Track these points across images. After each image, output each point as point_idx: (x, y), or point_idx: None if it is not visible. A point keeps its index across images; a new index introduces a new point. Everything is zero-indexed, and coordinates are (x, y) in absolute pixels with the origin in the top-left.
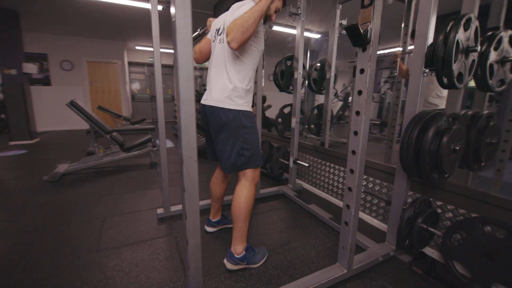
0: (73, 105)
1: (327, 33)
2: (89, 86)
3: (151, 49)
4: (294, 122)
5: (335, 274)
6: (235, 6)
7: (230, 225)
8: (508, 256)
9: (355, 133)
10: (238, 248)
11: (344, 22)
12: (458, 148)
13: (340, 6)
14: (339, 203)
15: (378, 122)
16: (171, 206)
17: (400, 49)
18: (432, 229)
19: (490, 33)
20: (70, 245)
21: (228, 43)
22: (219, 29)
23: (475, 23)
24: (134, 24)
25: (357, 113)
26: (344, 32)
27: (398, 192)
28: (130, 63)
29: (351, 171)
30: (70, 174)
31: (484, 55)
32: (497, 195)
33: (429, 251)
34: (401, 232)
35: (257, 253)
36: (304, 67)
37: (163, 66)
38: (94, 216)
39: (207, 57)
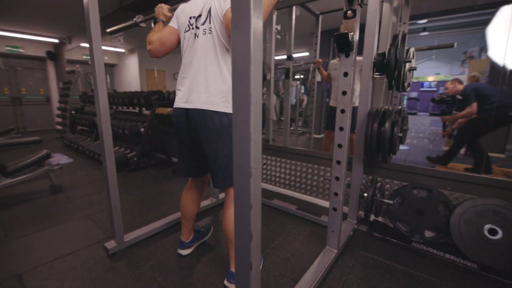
0: None
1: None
2: None
3: (7, 33)
4: None
5: (330, 257)
6: None
7: (205, 238)
8: (431, 209)
9: (341, 128)
10: None
11: (279, 27)
12: (401, 135)
13: (276, 12)
14: (292, 193)
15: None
16: (125, 235)
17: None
18: (386, 200)
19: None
20: None
21: None
22: (198, 17)
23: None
24: None
25: (342, 111)
26: (278, 36)
27: (357, 175)
28: None
29: (338, 162)
30: None
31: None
32: (420, 166)
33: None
34: (368, 208)
35: None
36: None
37: None
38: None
39: (168, 50)
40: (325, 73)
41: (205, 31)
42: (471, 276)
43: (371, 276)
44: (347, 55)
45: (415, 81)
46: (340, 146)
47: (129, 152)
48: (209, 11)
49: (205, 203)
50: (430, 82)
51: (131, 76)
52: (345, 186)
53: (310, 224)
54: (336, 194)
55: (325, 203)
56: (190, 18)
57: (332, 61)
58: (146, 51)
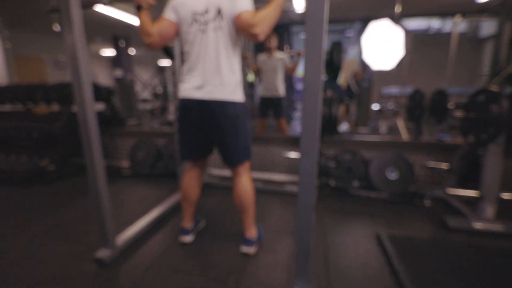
0: None
1: None
2: None
3: None
4: None
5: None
6: None
7: (201, 225)
8: (356, 166)
9: None
10: (253, 232)
11: None
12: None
13: None
14: (257, 175)
15: None
16: (117, 237)
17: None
18: (330, 166)
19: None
20: None
21: (257, 35)
22: (203, 12)
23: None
24: None
25: None
26: None
27: None
28: None
29: None
30: None
31: None
32: (347, 139)
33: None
34: (321, 173)
35: (259, 227)
36: None
37: None
38: None
39: (166, 43)
40: (254, 66)
41: (216, 28)
42: (387, 203)
43: (337, 218)
44: None
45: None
46: None
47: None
48: (219, 10)
49: (174, 198)
50: None
51: None
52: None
53: (279, 195)
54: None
55: (285, 177)
56: (194, 13)
57: (260, 56)
58: (15, 31)
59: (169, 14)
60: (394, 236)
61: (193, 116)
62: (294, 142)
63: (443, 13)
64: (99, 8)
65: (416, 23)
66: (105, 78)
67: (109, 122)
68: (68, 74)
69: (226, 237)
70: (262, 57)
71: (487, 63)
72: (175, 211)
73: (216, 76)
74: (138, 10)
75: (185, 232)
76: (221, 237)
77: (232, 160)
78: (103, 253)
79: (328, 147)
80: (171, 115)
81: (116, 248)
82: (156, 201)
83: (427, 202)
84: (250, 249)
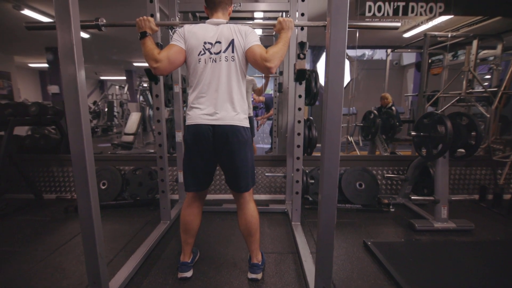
0: None
1: None
2: None
3: None
4: (180, 136)
5: (300, 228)
6: (241, 29)
7: (197, 257)
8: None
9: (298, 134)
10: (259, 256)
11: None
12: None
13: None
14: (223, 196)
15: None
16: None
17: None
18: (311, 181)
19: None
20: None
21: (270, 68)
22: (215, 43)
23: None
24: None
25: (299, 121)
26: None
27: (290, 168)
28: None
29: (298, 158)
30: None
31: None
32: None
33: None
34: (305, 189)
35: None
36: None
37: None
38: None
39: (174, 68)
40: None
41: (227, 58)
42: (360, 212)
43: None
44: (300, 83)
45: None
46: (298, 146)
47: None
48: (232, 43)
49: (161, 228)
50: None
51: None
52: (302, 174)
53: (262, 214)
54: (297, 181)
55: (266, 196)
56: (205, 43)
57: None
58: None
59: (178, 41)
60: (378, 242)
61: (205, 141)
62: (274, 162)
63: (378, 46)
64: (28, 12)
65: (354, 51)
66: (32, 94)
67: (57, 148)
68: None
69: (226, 265)
70: None
71: (409, 86)
72: (160, 245)
73: (228, 103)
74: (142, 36)
75: (186, 267)
76: (221, 266)
77: (241, 186)
78: None
79: (305, 164)
80: (126, 136)
81: None
82: (135, 236)
83: (392, 209)
84: (258, 275)
